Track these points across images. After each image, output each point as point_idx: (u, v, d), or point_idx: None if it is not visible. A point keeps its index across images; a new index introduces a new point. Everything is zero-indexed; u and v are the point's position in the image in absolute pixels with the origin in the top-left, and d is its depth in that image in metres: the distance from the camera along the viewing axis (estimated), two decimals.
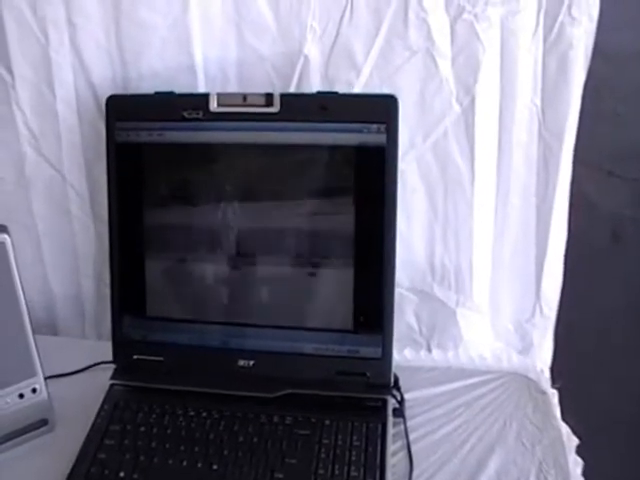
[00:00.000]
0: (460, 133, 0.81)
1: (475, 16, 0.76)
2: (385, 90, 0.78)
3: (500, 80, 0.79)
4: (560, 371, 0.86)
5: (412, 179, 0.83)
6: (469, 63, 0.78)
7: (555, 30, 0.76)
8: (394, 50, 0.78)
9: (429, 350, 0.90)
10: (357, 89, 0.79)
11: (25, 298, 0.73)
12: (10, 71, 0.82)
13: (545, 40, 0.77)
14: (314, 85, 0.80)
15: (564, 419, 0.80)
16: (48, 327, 0.93)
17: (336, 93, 0.76)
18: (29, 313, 0.73)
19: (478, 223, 0.84)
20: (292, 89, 0.80)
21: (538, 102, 0.79)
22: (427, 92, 0.79)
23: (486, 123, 0.80)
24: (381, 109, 0.73)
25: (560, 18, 0.75)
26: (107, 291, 0.82)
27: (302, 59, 0.79)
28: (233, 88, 0.81)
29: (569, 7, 0.75)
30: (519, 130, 0.81)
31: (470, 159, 0.82)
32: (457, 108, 0.80)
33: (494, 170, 0.83)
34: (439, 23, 0.76)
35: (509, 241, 0.86)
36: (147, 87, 0.81)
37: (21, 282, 0.72)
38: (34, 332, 0.74)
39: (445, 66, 0.78)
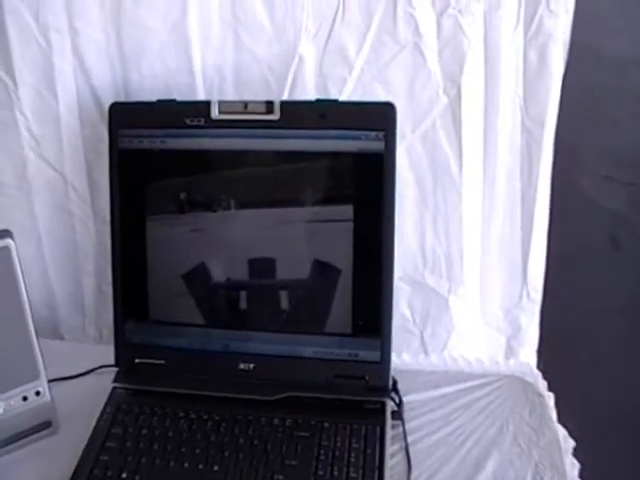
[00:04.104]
0: (448, 123, 0.82)
1: (459, 11, 0.78)
2: (376, 84, 0.80)
3: (484, 72, 0.81)
4: (557, 374, 0.87)
5: (402, 169, 0.83)
6: (455, 56, 0.80)
7: (535, 23, 0.78)
8: (384, 45, 0.80)
9: (422, 339, 0.90)
10: (349, 84, 0.81)
11: (29, 302, 0.74)
12: (13, 77, 0.82)
13: (526, 33, 0.79)
14: (309, 83, 0.81)
15: (561, 422, 0.80)
16: (49, 324, 0.94)
17: (335, 101, 0.77)
18: (33, 317, 0.74)
19: (467, 210, 0.86)
20: (287, 87, 0.81)
21: (520, 92, 0.81)
22: (416, 84, 0.81)
23: (472, 113, 0.82)
24: (379, 116, 0.74)
25: (539, 12, 0.78)
26: (108, 289, 0.83)
27: (297, 58, 0.80)
28: (230, 89, 0.83)
29: (548, 1, 0.77)
30: (503, 119, 0.82)
31: (458, 148, 0.83)
32: (444, 99, 0.81)
33: (480, 158, 0.84)
34: (426, 18, 0.78)
35: (496, 227, 0.87)
36: (147, 90, 0.82)
37: (25, 286, 0.73)
38: (38, 335, 0.75)
39: (432, 59, 0.80)
